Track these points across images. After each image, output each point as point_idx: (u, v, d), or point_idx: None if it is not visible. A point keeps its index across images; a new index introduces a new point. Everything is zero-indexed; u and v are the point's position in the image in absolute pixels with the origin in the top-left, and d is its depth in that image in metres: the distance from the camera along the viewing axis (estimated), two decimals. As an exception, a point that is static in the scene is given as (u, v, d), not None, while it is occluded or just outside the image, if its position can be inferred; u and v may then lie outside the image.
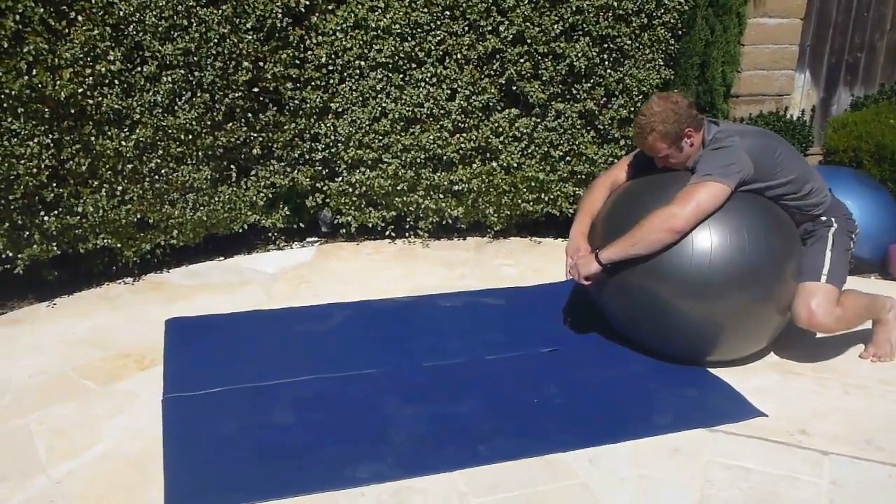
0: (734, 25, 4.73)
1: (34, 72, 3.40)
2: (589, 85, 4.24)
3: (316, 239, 4.55)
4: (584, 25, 4.12)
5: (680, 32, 4.27)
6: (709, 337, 3.00)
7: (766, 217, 2.99)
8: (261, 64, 3.95)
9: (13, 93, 3.35)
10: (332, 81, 4.13)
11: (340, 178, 4.31)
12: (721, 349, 3.05)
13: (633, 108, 4.28)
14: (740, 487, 2.41)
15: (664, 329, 3.03)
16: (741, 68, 5.08)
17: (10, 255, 3.56)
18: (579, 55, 4.14)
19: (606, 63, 4.22)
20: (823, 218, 3.13)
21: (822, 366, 3.16)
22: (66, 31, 3.47)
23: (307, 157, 4.27)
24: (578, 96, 4.26)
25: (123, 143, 3.71)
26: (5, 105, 3.37)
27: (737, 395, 2.91)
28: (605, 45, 4.18)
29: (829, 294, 2.98)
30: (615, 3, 4.08)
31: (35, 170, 3.50)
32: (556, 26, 4.09)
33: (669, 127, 2.94)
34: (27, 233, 3.59)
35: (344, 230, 4.47)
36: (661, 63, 4.27)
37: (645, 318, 3.05)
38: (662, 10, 4.17)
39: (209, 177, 3.99)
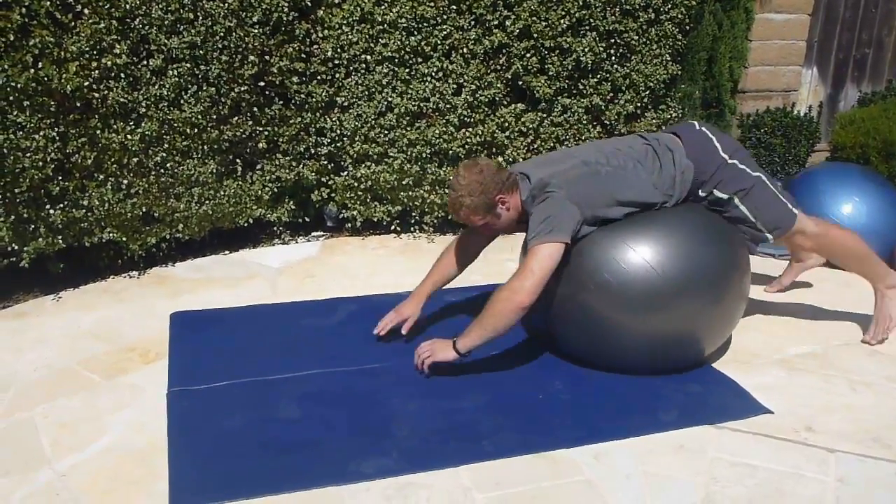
0: (742, 21, 4.72)
1: (40, 65, 3.40)
2: (595, 80, 4.23)
3: (321, 233, 4.55)
4: (591, 20, 4.11)
5: (687, 27, 4.26)
6: (661, 348, 2.95)
7: (706, 223, 2.98)
8: (267, 58, 3.95)
9: (19, 86, 3.35)
10: (337, 76, 4.12)
11: (346, 173, 4.31)
12: (672, 358, 3.01)
13: (639, 104, 4.27)
14: (746, 485, 2.40)
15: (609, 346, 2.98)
16: (748, 64, 5.07)
17: (16, 248, 3.56)
18: (586, 50, 4.13)
19: (613, 58, 4.20)
20: (720, 196, 3.01)
21: (829, 363, 3.14)
22: (73, 24, 3.47)
23: (313, 151, 4.26)
24: (585, 91, 4.25)
25: (129, 136, 3.71)
26: (11, 98, 3.37)
27: (742, 391, 2.90)
28: (612, 41, 4.17)
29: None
30: (622, -2, 4.07)
31: (41, 163, 3.50)
32: (562, 21, 4.08)
33: (477, 199, 2.85)
34: (33, 226, 3.59)
35: (349, 224, 4.47)
36: (669, 58, 4.25)
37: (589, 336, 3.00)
38: (670, 6, 4.16)
39: (215, 171, 3.99)
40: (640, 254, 2.80)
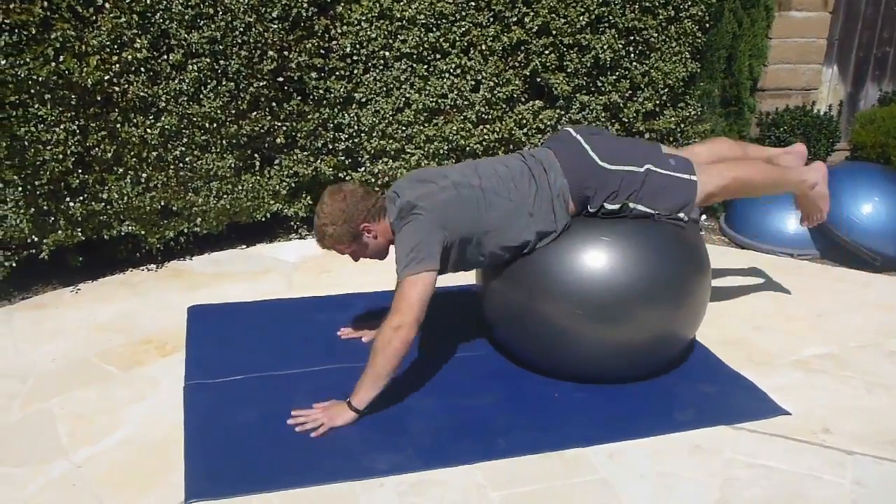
0: (762, 18, 4.68)
1: (61, 58, 3.43)
2: (614, 77, 4.22)
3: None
4: (611, 17, 4.09)
5: (707, 25, 4.24)
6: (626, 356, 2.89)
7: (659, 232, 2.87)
8: (286, 53, 3.95)
9: (40, 79, 3.37)
10: (356, 71, 4.12)
11: (363, 168, 4.31)
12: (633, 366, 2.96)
13: (658, 102, 4.25)
14: (762, 486, 2.39)
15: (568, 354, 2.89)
16: (768, 62, 5.03)
17: (36, 240, 3.59)
18: (605, 47, 4.12)
19: (632, 55, 4.19)
20: (613, 208, 2.86)
21: (846, 364, 3.12)
22: (94, 18, 3.49)
23: (330, 146, 4.27)
24: (603, 89, 4.23)
25: (149, 130, 3.73)
26: (32, 91, 3.40)
27: (759, 392, 2.89)
28: (632, 38, 4.15)
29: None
30: (642, -4, 4.06)
31: (61, 156, 3.52)
32: (581, 18, 4.06)
33: (340, 228, 2.76)
34: (52, 218, 3.62)
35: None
36: (688, 56, 4.23)
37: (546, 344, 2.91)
38: (690, 3, 4.14)
39: (233, 165, 4.00)
40: (597, 261, 2.75)
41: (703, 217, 4.68)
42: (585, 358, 2.85)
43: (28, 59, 3.35)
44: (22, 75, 3.33)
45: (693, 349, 3.18)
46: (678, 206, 2.86)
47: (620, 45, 4.14)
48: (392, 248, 2.85)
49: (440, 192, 2.75)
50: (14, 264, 3.60)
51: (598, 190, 2.82)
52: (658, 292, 2.76)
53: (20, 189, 3.48)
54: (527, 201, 2.79)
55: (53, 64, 3.40)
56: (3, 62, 3.29)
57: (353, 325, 3.32)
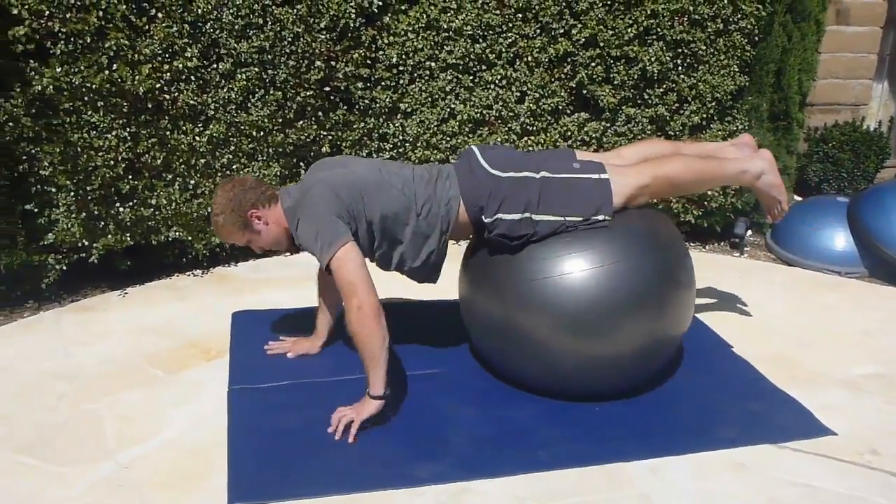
0: (812, 33, 4.63)
1: (115, 67, 3.49)
2: (661, 90, 4.19)
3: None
4: (659, 30, 4.07)
5: (756, 38, 4.19)
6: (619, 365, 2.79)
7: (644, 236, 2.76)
8: (333, 63, 3.99)
9: (94, 86, 3.44)
10: (401, 82, 4.15)
11: (407, 178, 4.33)
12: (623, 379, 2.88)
13: (705, 115, 4.22)
14: (806, 506, 2.36)
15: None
16: (817, 76, 4.97)
17: (86, 244, 3.66)
18: (652, 60, 4.10)
19: (680, 68, 4.16)
20: (511, 218, 2.72)
21: (894, 384, 3.06)
22: (147, 27, 3.55)
23: (375, 156, 4.29)
24: (650, 101, 4.21)
25: (197, 138, 3.79)
26: (86, 98, 3.47)
27: (804, 411, 2.84)
28: (680, 50, 4.13)
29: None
30: (691, 8, 4.02)
31: (112, 162, 3.59)
32: (629, 30, 4.05)
33: (229, 217, 2.78)
34: (102, 223, 3.69)
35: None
36: (736, 69, 4.19)
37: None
38: (739, 16, 4.10)
39: (279, 173, 4.04)
40: (575, 269, 2.65)
41: (749, 233, 4.63)
42: (565, 372, 2.77)
43: (82, 68, 3.42)
44: (76, 83, 3.41)
45: (737, 366, 3.15)
46: (590, 209, 2.71)
47: (668, 58, 4.11)
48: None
49: (333, 176, 2.74)
50: (64, 267, 3.67)
51: (490, 198, 2.73)
52: (639, 302, 2.67)
53: (72, 194, 3.56)
54: (417, 202, 2.77)
55: (107, 72, 3.48)
56: (58, 70, 3.36)
57: (280, 340, 3.28)
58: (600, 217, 2.70)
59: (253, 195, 2.80)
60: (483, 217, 2.76)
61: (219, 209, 2.81)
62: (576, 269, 2.64)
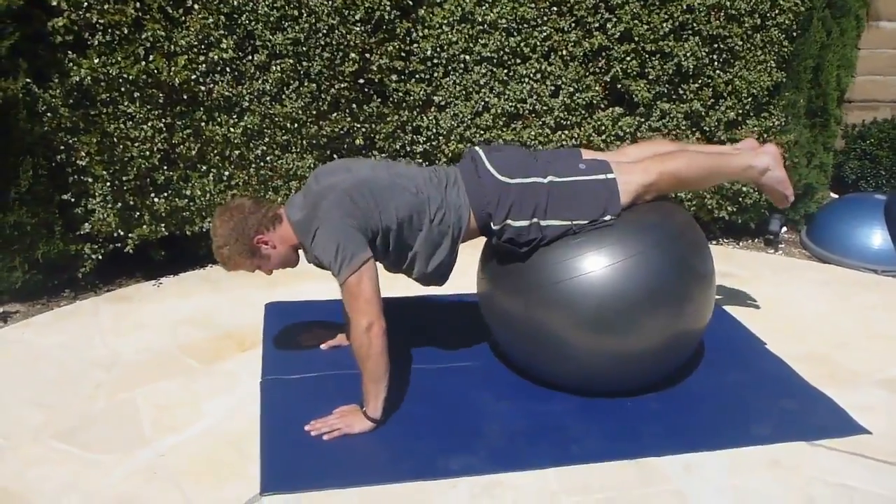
0: (852, 28, 4.57)
1: (151, 58, 3.52)
2: (696, 85, 4.15)
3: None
4: (695, 24, 4.03)
5: (794, 34, 4.14)
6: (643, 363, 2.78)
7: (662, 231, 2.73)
8: (367, 56, 3.99)
9: (131, 77, 3.48)
10: (436, 75, 4.14)
11: (440, 172, 4.33)
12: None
13: (741, 111, 4.18)
14: (842, 505, 2.33)
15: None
16: (856, 73, 4.91)
17: (122, 234, 3.70)
18: (688, 55, 4.06)
19: (716, 63, 4.12)
20: (520, 225, 2.69)
21: (934, 384, 3.03)
22: (183, 19, 3.58)
23: (408, 149, 4.29)
24: (685, 97, 4.18)
25: (232, 129, 3.81)
26: (123, 89, 3.50)
27: (840, 410, 2.81)
28: (716, 46, 4.09)
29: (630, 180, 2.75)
30: (728, 3, 3.98)
31: (148, 153, 3.62)
32: (665, 24, 4.02)
33: (234, 248, 2.67)
34: (138, 213, 3.72)
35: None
36: (773, 65, 4.14)
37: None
38: (777, 11, 4.05)
39: (312, 165, 4.05)
40: (595, 265, 2.63)
41: (784, 230, 4.59)
42: (584, 368, 2.75)
43: (119, 59, 3.45)
44: (113, 74, 3.44)
45: (772, 364, 3.12)
46: (597, 211, 2.68)
47: (704, 53, 4.07)
48: (302, 253, 2.80)
49: (343, 182, 2.64)
50: (100, 257, 3.71)
51: (498, 205, 2.68)
52: (659, 298, 2.64)
53: (108, 184, 3.59)
54: (430, 207, 2.70)
55: (143, 63, 3.51)
56: (96, 61, 3.40)
57: (313, 331, 3.28)
58: (607, 217, 2.68)
59: (255, 220, 2.68)
60: (491, 224, 2.72)
61: (221, 241, 2.68)
62: (597, 266, 2.62)
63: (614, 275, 2.61)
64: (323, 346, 3.17)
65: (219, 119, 3.79)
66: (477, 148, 2.85)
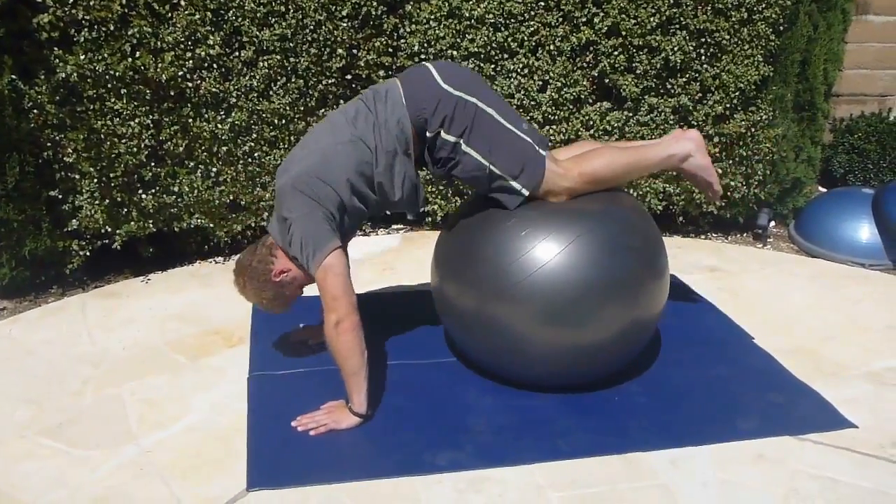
0: (838, 22, 4.58)
1: (138, 54, 3.52)
2: (684, 80, 4.16)
3: (402, 226, 4.58)
4: (682, 19, 4.04)
5: (781, 28, 4.15)
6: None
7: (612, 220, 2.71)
8: (354, 51, 3.99)
9: (117, 74, 3.47)
10: (424, 70, 4.14)
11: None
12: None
13: (728, 105, 4.19)
14: (826, 499, 2.34)
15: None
16: (843, 67, 4.92)
17: (109, 230, 3.69)
18: (675, 49, 4.07)
19: (703, 58, 4.13)
20: (447, 139, 2.63)
21: (919, 377, 3.04)
22: (169, 15, 3.57)
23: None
24: (673, 91, 4.18)
25: (219, 125, 3.80)
26: (109, 86, 3.50)
27: (826, 404, 2.82)
28: (703, 40, 4.09)
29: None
30: (714, -3, 4.00)
31: (135, 149, 3.62)
32: (652, 19, 4.02)
33: (267, 295, 2.77)
34: (125, 210, 3.72)
35: (429, 219, 4.49)
36: (761, 59, 4.15)
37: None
38: (764, 5, 4.06)
39: (300, 161, 4.05)
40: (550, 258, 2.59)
41: (772, 224, 4.60)
42: (540, 361, 2.73)
43: (106, 55, 3.45)
44: (100, 70, 3.44)
45: (759, 358, 3.13)
46: (514, 166, 2.64)
47: (691, 47, 4.08)
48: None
49: (286, 182, 2.63)
50: (88, 253, 3.71)
51: (435, 111, 2.61)
52: (612, 289, 2.62)
53: (96, 180, 3.59)
54: (367, 136, 2.64)
55: (130, 59, 3.50)
56: (82, 57, 3.39)
57: (301, 327, 3.29)
58: (518, 186, 2.65)
59: (258, 262, 2.74)
60: (427, 131, 2.65)
61: (257, 298, 2.80)
62: (548, 254, 2.58)
63: (568, 261, 2.57)
64: (310, 342, 3.17)
65: (206, 115, 3.78)
66: (426, 63, 2.77)
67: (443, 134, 2.63)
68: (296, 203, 2.58)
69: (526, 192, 2.67)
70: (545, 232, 2.61)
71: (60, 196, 3.60)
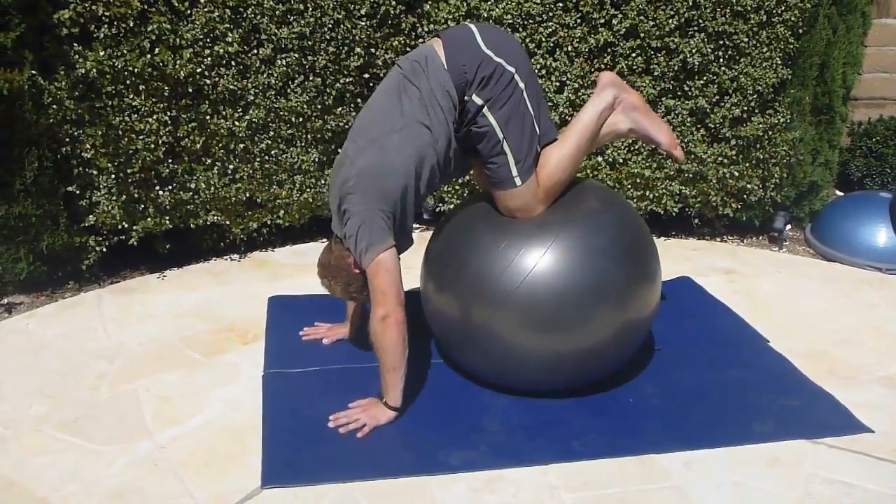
0: (858, 25, 4.55)
1: (156, 51, 3.53)
2: (702, 82, 4.15)
3: (417, 225, 4.58)
4: (700, 21, 4.02)
5: (800, 31, 4.13)
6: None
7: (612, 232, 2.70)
8: (372, 50, 3.99)
9: (136, 70, 3.48)
10: (440, 70, 4.14)
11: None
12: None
13: (746, 108, 4.17)
14: (841, 503, 2.33)
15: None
16: (862, 70, 4.89)
17: (126, 226, 3.71)
18: (693, 51, 4.05)
19: (721, 60, 4.11)
20: (476, 101, 2.59)
21: (936, 383, 3.02)
22: (188, 12, 3.58)
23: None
24: (690, 93, 4.17)
25: (237, 123, 3.81)
26: (128, 82, 3.51)
27: (841, 408, 2.81)
28: (721, 42, 4.08)
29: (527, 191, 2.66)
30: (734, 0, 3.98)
31: (153, 145, 3.63)
32: (671, 21, 4.01)
33: (354, 285, 2.76)
34: (142, 206, 3.73)
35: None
36: (779, 62, 4.13)
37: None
38: (783, 8, 4.04)
39: (317, 159, 4.06)
40: (538, 264, 2.59)
41: (788, 227, 4.58)
42: (528, 367, 2.72)
43: (125, 51, 3.46)
44: (119, 66, 3.45)
45: (774, 361, 3.12)
46: (520, 152, 2.62)
47: (709, 50, 4.06)
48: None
49: (347, 178, 2.61)
50: (104, 249, 3.73)
51: (476, 72, 2.56)
52: (603, 295, 2.61)
53: (113, 176, 3.61)
54: (420, 116, 2.59)
55: (149, 56, 3.51)
56: (101, 54, 3.41)
57: (316, 325, 3.30)
58: (515, 172, 2.62)
59: (334, 257, 2.79)
60: (465, 94, 2.60)
61: (345, 293, 2.84)
62: (536, 258, 2.59)
63: (549, 262, 2.58)
64: (325, 341, 3.18)
65: (224, 112, 3.79)
66: (470, 24, 2.72)
67: (473, 97, 2.59)
68: (353, 201, 2.58)
69: (518, 182, 2.63)
70: (523, 241, 2.62)
71: (78, 192, 3.62)
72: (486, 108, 2.59)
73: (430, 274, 2.87)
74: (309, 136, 4.01)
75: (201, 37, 3.61)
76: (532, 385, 2.81)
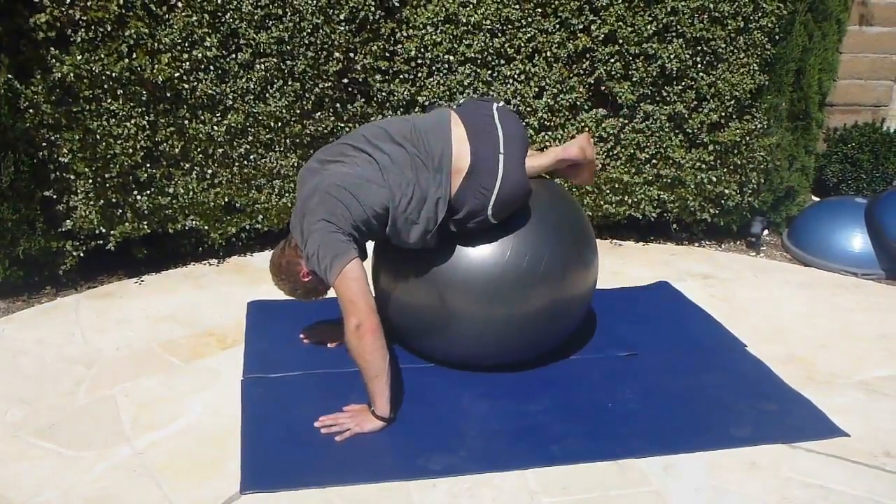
0: (833, 32, 4.60)
1: (134, 55, 3.51)
2: (680, 87, 4.18)
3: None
4: (679, 27, 4.05)
5: (777, 37, 4.17)
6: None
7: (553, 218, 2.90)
8: (351, 55, 3.99)
9: (114, 75, 3.46)
10: (420, 75, 4.14)
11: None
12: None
13: (724, 113, 4.20)
14: (819, 506, 2.35)
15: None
16: (838, 77, 4.94)
17: (104, 231, 3.69)
18: (671, 57, 4.08)
19: (699, 66, 4.14)
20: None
21: (911, 386, 3.05)
22: (166, 16, 3.57)
23: (392, 148, 4.29)
24: (668, 98, 4.20)
25: (215, 127, 3.80)
26: (106, 86, 3.49)
27: (818, 412, 2.83)
28: (699, 48, 4.11)
29: None
30: (711, 5, 4.00)
31: (131, 150, 3.61)
32: (649, 27, 4.03)
33: (300, 290, 2.92)
34: (120, 211, 3.71)
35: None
36: (756, 68, 4.17)
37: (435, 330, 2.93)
38: (760, 14, 4.08)
39: (296, 164, 4.05)
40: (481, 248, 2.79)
41: (766, 232, 4.62)
42: (476, 340, 2.88)
43: (102, 56, 3.44)
44: (96, 71, 3.43)
45: (751, 366, 3.15)
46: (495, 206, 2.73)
47: (687, 55, 4.09)
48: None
49: (321, 182, 2.65)
50: (82, 254, 3.70)
51: (472, 207, 2.72)
52: (542, 270, 2.79)
53: (91, 181, 3.58)
54: (401, 188, 2.66)
55: (126, 60, 3.49)
56: (79, 58, 3.39)
57: (296, 330, 3.32)
58: (490, 213, 2.72)
59: (286, 259, 2.89)
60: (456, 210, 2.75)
61: (292, 294, 2.97)
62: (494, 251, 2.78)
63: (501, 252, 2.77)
64: (305, 342, 3.17)
65: (202, 117, 3.78)
66: (496, 120, 2.85)
67: (450, 225, 2.76)
68: (323, 210, 2.59)
69: (494, 222, 2.75)
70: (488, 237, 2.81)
71: (55, 196, 3.59)
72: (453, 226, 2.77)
73: (383, 266, 3.01)
74: (287, 141, 4.01)
75: (179, 41, 3.60)
76: (485, 358, 2.96)
